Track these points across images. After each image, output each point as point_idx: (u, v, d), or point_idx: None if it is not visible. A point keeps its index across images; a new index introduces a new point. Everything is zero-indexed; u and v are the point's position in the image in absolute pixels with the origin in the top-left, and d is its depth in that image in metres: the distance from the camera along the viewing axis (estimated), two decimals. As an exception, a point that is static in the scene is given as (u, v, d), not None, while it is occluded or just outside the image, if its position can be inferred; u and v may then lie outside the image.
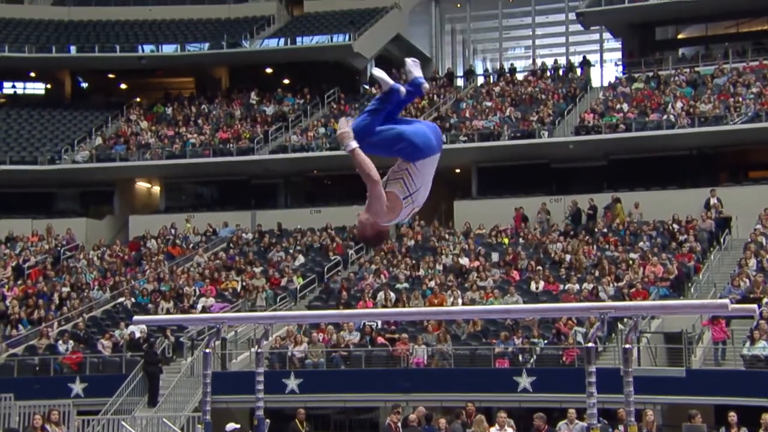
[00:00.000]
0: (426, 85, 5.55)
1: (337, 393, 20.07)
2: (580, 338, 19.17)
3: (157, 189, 33.63)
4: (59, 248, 29.10)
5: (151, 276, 26.23)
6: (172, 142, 31.37)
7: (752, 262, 21.59)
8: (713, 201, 25.34)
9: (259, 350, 6.00)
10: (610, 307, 4.85)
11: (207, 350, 5.69)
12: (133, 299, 24.89)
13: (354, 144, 5.16)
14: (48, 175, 31.29)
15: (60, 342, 22.55)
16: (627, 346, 5.06)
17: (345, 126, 5.23)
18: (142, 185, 34.22)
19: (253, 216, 30.32)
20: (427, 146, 5.33)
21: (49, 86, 37.12)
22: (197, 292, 24.67)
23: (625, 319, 17.55)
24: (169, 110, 34.15)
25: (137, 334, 22.14)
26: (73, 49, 34.48)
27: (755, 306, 5.61)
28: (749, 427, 14.89)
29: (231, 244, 28.47)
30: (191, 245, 28.89)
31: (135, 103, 35.06)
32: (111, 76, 37.21)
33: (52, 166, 31.15)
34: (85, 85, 38.20)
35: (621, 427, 13.72)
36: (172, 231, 29.57)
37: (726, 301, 4.80)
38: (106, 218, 32.14)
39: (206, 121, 32.81)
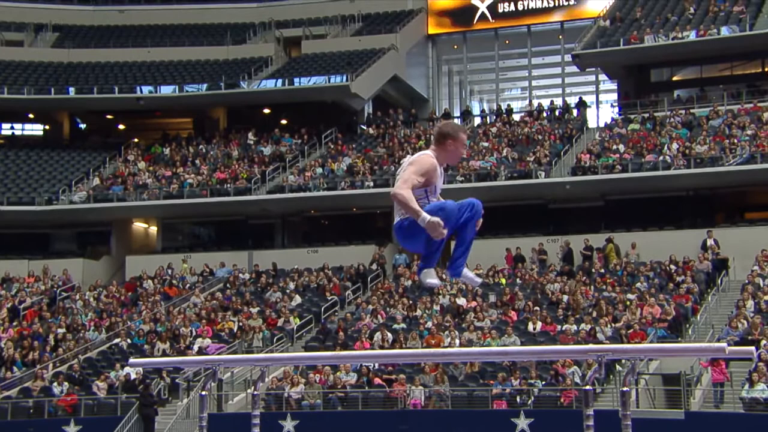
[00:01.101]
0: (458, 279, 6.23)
1: (333, 435, 19.91)
2: (578, 379, 19.05)
3: (154, 229, 33.62)
4: (55, 289, 29.01)
5: (148, 317, 26.14)
6: (170, 182, 31.43)
7: (750, 303, 21.54)
8: (710, 242, 25.37)
9: (255, 392, 5.96)
10: (607, 350, 4.83)
11: (203, 392, 5.64)
12: (129, 340, 24.77)
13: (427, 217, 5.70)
14: (45, 215, 31.30)
15: (55, 384, 22.39)
16: (625, 388, 5.02)
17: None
18: (139, 225, 34.22)
19: (250, 256, 30.28)
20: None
21: (47, 127, 37.29)
22: (194, 333, 24.57)
23: (623, 361, 17.46)
24: (167, 151, 34.27)
25: (133, 376, 21.99)
26: (71, 90, 34.69)
27: (753, 348, 5.58)
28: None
29: (228, 285, 28.39)
30: (188, 286, 28.81)
31: (133, 143, 35.20)
32: (109, 117, 37.39)
33: (50, 207, 31.16)
34: (83, 126, 38.39)
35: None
36: (169, 271, 29.51)
37: (723, 344, 4.78)
38: (102, 259, 32.09)
39: (204, 161, 32.91)
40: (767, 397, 17.69)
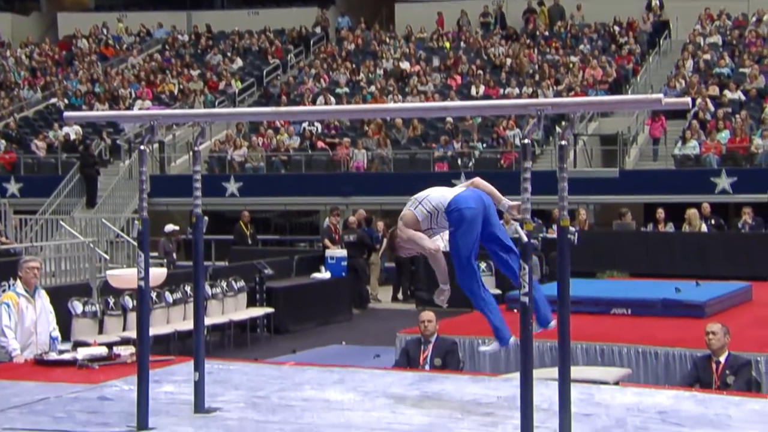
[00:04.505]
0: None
1: (277, 197, 20.19)
2: (518, 141, 19.36)
3: (85, -15, 32.08)
4: (-17, 43, 27.98)
5: (84, 77, 25.49)
6: (99, -64, 29.64)
7: (689, 63, 21.78)
8: (654, 1, 25.12)
9: (196, 148, 5.84)
10: (546, 104, 4.76)
11: (142, 147, 5.53)
12: (66, 100, 24.26)
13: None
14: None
15: (-9, 141, 22.10)
16: (563, 142, 5.02)
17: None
18: (69, -20, 32.57)
19: (189, 17, 29.27)
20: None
21: None
22: (133, 95, 24.14)
23: (563, 123, 17.71)
24: None
25: (72, 136, 21.75)
26: None
27: (689, 99, 5.58)
28: (675, 222, 15.54)
29: (166, 46, 27.61)
30: (125, 46, 27.96)
31: None
32: None
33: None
34: None
35: (554, 227, 14.10)
36: (104, 31, 28.48)
37: (660, 95, 4.74)
38: (32, 15, 30.74)
39: None
40: (698, 153, 18.30)
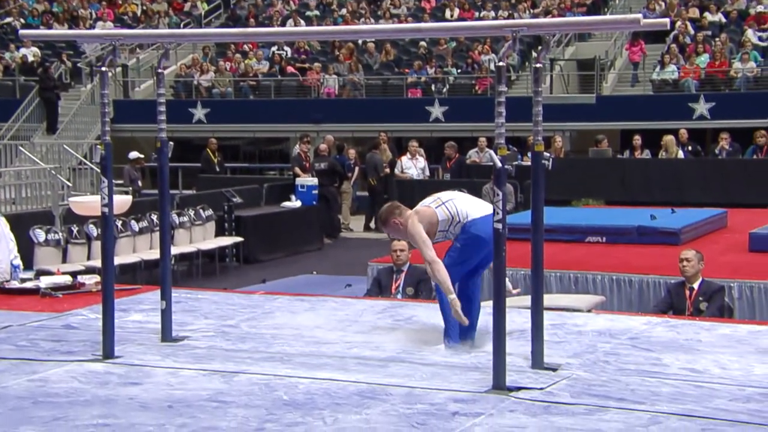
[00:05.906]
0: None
1: (246, 123, 19.84)
2: (493, 66, 19.07)
3: None
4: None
5: (41, -5, 24.74)
6: None
7: (669, -18, 21.45)
8: None
9: (159, 70, 5.59)
10: (522, 24, 4.56)
11: (104, 69, 5.29)
12: (22, 20, 23.52)
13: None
14: None
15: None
16: (538, 65, 4.86)
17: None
18: None
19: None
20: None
21: None
22: (93, 16, 23.48)
23: (539, 48, 17.45)
24: None
25: (30, 58, 21.14)
26: None
27: (667, 19, 5.43)
28: (651, 149, 15.45)
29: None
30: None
31: None
32: None
33: None
34: None
35: (530, 154, 13.94)
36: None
37: (638, 15, 4.59)
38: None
39: None
40: (676, 78, 18.12)
